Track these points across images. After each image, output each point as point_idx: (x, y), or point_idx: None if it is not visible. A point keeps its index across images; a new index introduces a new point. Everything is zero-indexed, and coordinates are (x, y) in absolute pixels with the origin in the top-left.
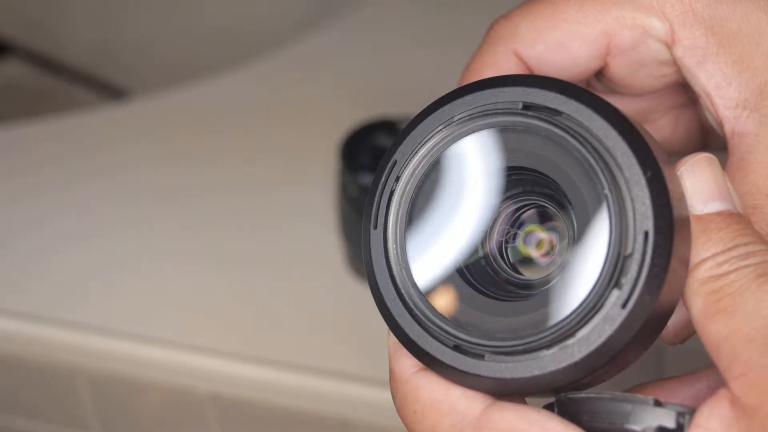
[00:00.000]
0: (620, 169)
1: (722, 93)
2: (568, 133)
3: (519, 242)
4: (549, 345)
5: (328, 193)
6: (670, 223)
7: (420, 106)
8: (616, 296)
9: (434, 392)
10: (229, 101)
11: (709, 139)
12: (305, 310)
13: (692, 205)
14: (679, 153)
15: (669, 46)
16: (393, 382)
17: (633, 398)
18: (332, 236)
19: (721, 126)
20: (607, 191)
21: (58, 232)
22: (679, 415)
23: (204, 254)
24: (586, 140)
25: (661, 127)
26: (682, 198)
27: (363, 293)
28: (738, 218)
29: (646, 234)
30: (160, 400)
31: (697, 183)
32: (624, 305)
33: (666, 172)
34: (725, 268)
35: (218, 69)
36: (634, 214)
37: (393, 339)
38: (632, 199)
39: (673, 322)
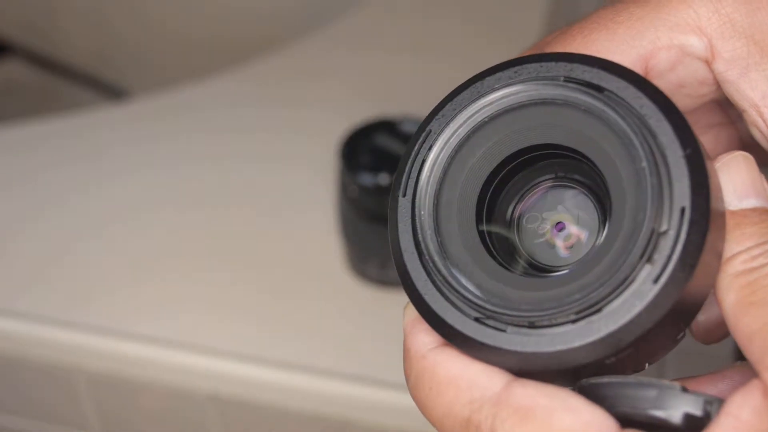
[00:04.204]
0: (659, 145)
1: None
2: (608, 106)
3: (546, 230)
4: (575, 319)
5: (328, 193)
6: (707, 201)
7: (420, 106)
8: (648, 271)
9: (453, 368)
10: (228, 101)
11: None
12: (305, 310)
13: (727, 201)
14: None
15: (709, 62)
16: (408, 360)
17: (659, 384)
18: (332, 236)
19: None
20: (645, 165)
21: (58, 232)
22: (707, 403)
23: (204, 254)
24: (626, 115)
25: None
26: (719, 190)
27: (363, 293)
28: None
29: (683, 210)
30: (160, 400)
31: (733, 179)
32: (656, 281)
33: (705, 156)
34: (760, 261)
35: (218, 69)
36: (671, 191)
37: (410, 316)
38: (670, 176)
39: (705, 320)
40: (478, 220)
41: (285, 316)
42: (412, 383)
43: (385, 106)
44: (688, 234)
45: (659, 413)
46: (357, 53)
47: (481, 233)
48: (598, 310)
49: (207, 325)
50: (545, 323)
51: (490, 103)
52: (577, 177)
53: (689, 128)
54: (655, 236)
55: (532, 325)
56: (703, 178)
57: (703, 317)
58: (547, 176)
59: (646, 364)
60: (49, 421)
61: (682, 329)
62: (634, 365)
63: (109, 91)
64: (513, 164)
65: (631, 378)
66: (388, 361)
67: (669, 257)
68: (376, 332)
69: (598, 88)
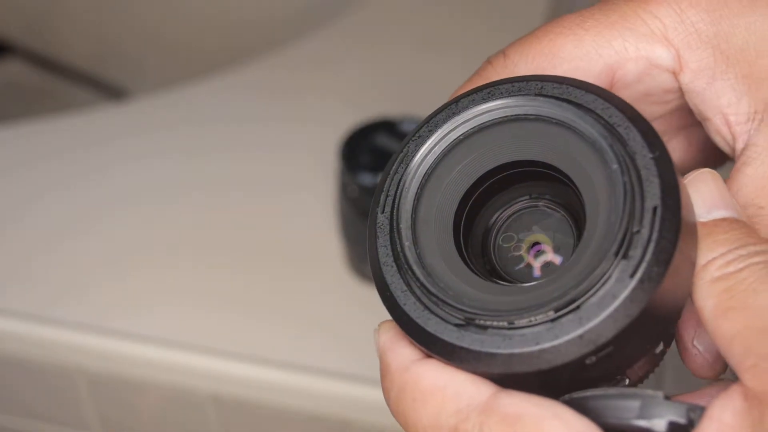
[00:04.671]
0: (629, 150)
1: (734, 109)
2: (578, 116)
3: (522, 250)
4: (554, 317)
5: (328, 193)
6: (677, 200)
7: (420, 107)
8: (623, 267)
9: (438, 378)
10: (228, 101)
11: (725, 157)
12: (305, 310)
13: (697, 213)
14: None
15: (676, 73)
16: (388, 375)
17: (642, 393)
18: (332, 236)
19: (734, 143)
20: (616, 167)
21: (58, 232)
22: (690, 410)
23: (204, 254)
24: (595, 124)
25: (673, 149)
26: (688, 197)
27: (363, 293)
28: (742, 224)
29: (655, 209)
30: (160, 400)
31: (701, 194)
32: (632, 275)
33: (672, 160)
34: (735, 266)
35: (218, 69)
36: (643, 191)
37: (386, 334)
38: (640, 177)
39: (704, 352)
40: (456, 237)
41: (285, 316)
42: (393, 398)
43: (385, 106)
44: (661, 231)
45: (643, 423)
46: (357, 53)
47: (459, 249)
48: (577, 308)
49: (207, 325)
50: (524, 323)
51: (465, 121)
52: (552, 197)
53: (656, 134)
54: (629, 235)
55: (511, 325)
56: (672, 179)
57: (703, 350)
58: (523, 197)
59: (627, 375)
60: (49, 421)
61: (660, 339)
62: (614, 369)
63: (109, 91)
64: (490, 182)
65: (614, 390)
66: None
67: (644, 253)
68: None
69: (568, 101)
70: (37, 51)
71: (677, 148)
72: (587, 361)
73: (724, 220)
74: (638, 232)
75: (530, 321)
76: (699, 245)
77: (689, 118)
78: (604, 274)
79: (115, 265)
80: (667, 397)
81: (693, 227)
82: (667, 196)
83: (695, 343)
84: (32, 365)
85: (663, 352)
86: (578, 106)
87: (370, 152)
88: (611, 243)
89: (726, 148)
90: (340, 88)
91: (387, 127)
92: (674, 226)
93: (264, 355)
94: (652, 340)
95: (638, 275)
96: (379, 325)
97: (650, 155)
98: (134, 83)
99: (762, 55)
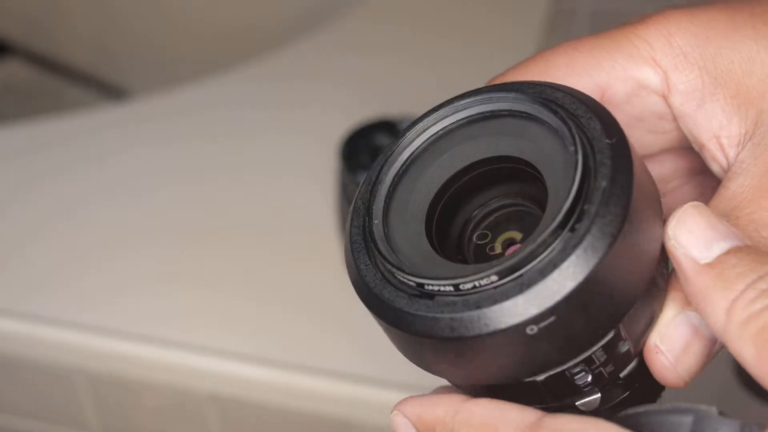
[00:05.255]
0: (589, 137)
1: (726, 132)
2: (547, 109)
3: (496, 248)
4: (497, 283)
5: (328, 193)
6: (629, 180)
7: (420, 107)
8: (568, 237)
9: (488, 412)
10: (228, 101)
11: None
12: (305, 310)
13: (696, 256)
14: None
15: (665, 96)
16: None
17: (695, 409)
18: (332, 236)
19: (728, 167)
20: (573, 149)
21: (58, 232)
22: (744, 427)
23: (204, 255)
24: (562, 116)
25: (686, 197)
26: (647, 182)
27: None
28: (746, 250)
29: (605, 188)
30: (160, 400)
31: (693, 233)
32: (575, 246)
33: (632, 146)
34: (760, 303)
35: (218, 69)
36: (596, 171)
37: (413, 410)
38: (596, 160)
39: (666, 352)
40: (428, 229)
41: (285, 316)
42: None
43: (385, 106)
44: (609, 206)
45: None
46: (357, 54)
47: (430, 240)
48: (519, 275)
49: (207, 324)
50: (469, 288)
51: (444, 117)
52: (526, 195)
53: (617, 125)
54: (578, 210)
55: (457, 291)
56: (625, 162)
57: (662, 347)
58: (499, 196)
59: (587, 366)
60: (49, 421)
61: (610, 325)
62: (564, 349)
63: (109, 91)
64: (466, 178)
65: (667, 405)
66: (388, 361)
67: (590, 227)
68: (376, 332)
69: (542, 101)
70: (37, 51)
71: (690, 196)
72: (528, 330)
73: (727, 253)
74: (587, 208)
75: (475, 286)
76: (713, 292)
77: (698, 162)
78: (550, 245)
79: (115, 264)
80: (721, 413)
81: (650, 208)
82: (618, 175)
83: (658, 341)
84: (32, 365)
85: (628, 353)
86: (547, 100)
87: (370, 152)
88: (558, 215)
89: (722, 175)
90: (341, 89)
91: (387, 127)
92: (623, 202)
93: (264, 355)
94: (599, 325)
95: (581, 246)
96: (395, 408)
97: (607, 141)
98: (134, 83)
99: (748, 74)
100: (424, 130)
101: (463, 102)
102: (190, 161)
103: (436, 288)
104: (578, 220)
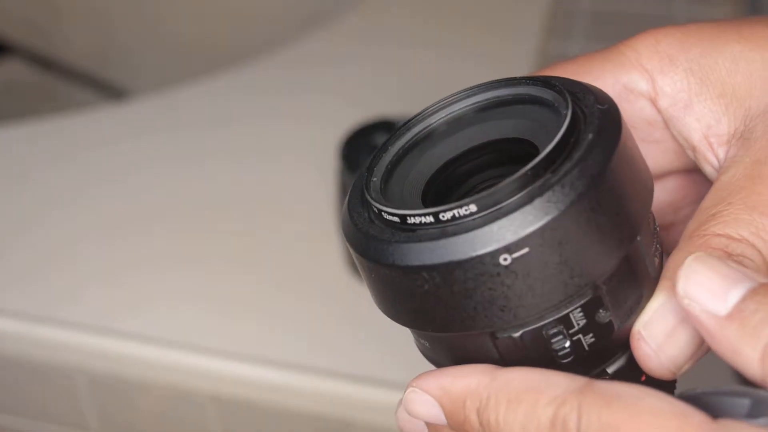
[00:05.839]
0: (581, 105)
1: (714, 131)
2: (547, 88)
3: None
4: (475, 215)
5: (328, 193)
6: (615, 136)
7: (419, 107)
8: (550, 176)
9: (528, 377)
10: (228, 101)
11: None
12: (305, 310)
13: (715, 309)
14: None
15: (652, 99)
16: (470, 396)
17: (753, 392)
18: (332, 236)
19: (719, 166)
20: (565, 113)
21: (58, 232)
22: None
23: (204, 254)
24: (559, 92)
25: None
26: (634, 146)
27: (363, 293)
28: (763, 290)
29: (590, 140)
30: (160, 400)
31: (704, 287)
32: (554, 183)
33: (624, 120)
34: None
35: (217, 69)
36: (585, 128)
37: (433, 382)
38: (586, 122)
39: (648, 339)
40: (424, 199)
41: (285, 316)
42: (483, 411)
43: (385, 106)
44: (592, 154)
45: (754, 423)
46: (357, 53)
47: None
48: (498, 208)
49: (207, 325)
50: (449, 218)
51: (453, 103)
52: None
53: (609, 98)
54: (564, 156)
55: (437, 221)
56: (614, 122)
57: (644, 333)
58: (498, 175)
59: (550, 311)
60: (49, 421)
61: (583, 279)
62: (531, 287)
63: (109, 91)
64: (469, 157)
65: (724, 387)
66: (388, 361)
67: (571, 169)
68: (376, 332)
69: (542, 81)
70: (37, 51)
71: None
72: (502, 260)
73: (744, 300)
74: (573, 155)
75: (454, 216)
76: (741, 340)
77: (704, 183)
78: (531, 183)
79: (115, 264)
80: None
81: (637, 174)
82: (605, 130)
83: (641, 328)
84: (32, 365)
85: (610, 326)
86: (546, 81)
87: (370, 152)
88: (542, 155)
89: (714, 176)
90: (340, 88)
91: (387, 127)
92: (607, 152)
93: (264, 355)
94: (575, 272)
95: (560, 183)
96: (411, 385)
97: (599, 107)
98: (134, 83)
99: (732, 73)
100: (435, 113)
101: (474, 89)
102: (190, 161)
103: (417, 220)
104: (562, 164)
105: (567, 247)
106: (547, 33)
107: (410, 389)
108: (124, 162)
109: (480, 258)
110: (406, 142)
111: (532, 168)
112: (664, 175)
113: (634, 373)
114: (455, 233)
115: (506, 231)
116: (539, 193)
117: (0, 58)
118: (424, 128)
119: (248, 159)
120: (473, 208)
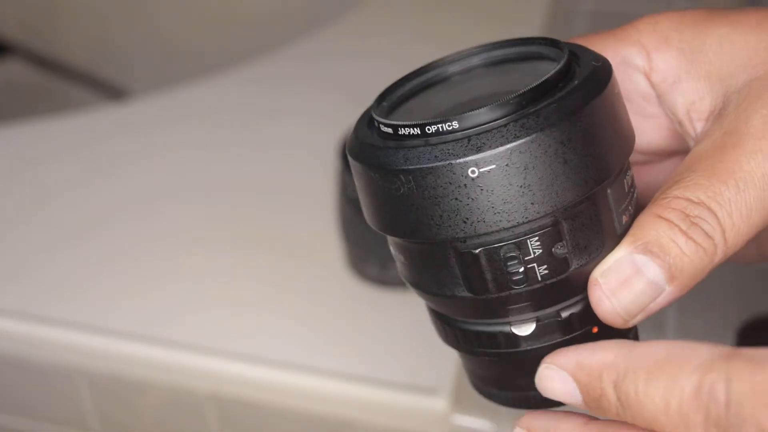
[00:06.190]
0: (578, 61)
1: (697, 106)
2: (551, 46)
3: None
4: (456, 130)
5: (328, 193)
6: (600, 85)
7: None
8: (532, 108)
9: (665, 348)
10: (228, 101)
11: None
12: (305, 310)
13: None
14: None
15: (647, 74)
16: (601, 376)
17: None
18: (332, 236)
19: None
20: (558, 63)
21: (57, 231)
22: None
23: (204, 254)
24: (561, 50)
25: None
26: (616, 95)
27: (363, 293)
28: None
29: (577, 84)
30: (160, 400)
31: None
32: (532, 111)
33: (615, 78)
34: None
35: (218, 69)
36: (574, 75)
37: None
38: (579, 71)
39: (608, 292)
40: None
41: (285, 316)
42: (620, 384)
43: None
44: (573, 96)
45: None
46: (357, 52)
47: None
48: (476, 126)
49: (207, 325)
50: (433, 131)
51: (469, 56)
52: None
53: (604, 57)
54: (546, 98)
55: (423, 133)
56: (604, 75)
57: (600, 278)
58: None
59: (508, 231)
60: (49, 421)
61: (542, 197)
62: (493, 204)
63: (109, 91)
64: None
65: None
66: (388, 361)
67: (550, 104)
68: (376, 332)
69: (549, 42)
70: (37, 51)
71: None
72: (470, 172)
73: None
74: (554, 95)
75: (438, 130)
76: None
77: None
78: (513, 112)
79: (115, 264)
80: None
81: (616, 127)
82: (591, 80)
83: (599, 276)
84: (32, 365)
85: (565, 262)
86: (552, 43)
87: None
88: (526, 89)
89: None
90: (341, 87)
91: None
92: (585, 96)
93: (264, 355)
94: (536, 198)
95: (536, 114)
96: (544, 362)
97: (593, 63)
98: (134, 83)
99: (718, 54)
100: (451, 62)
101: (488, 46)
102: (190, 161)
103: (407, 131)
104: (544, 101)
105: (532, 173)
106: (547, 33)
107: (544, 365)
108: (123, 161)
109: (450, 167)
110: (420, 83)
111: (515, 97)
112: (663, 155)
113: (587, 321)
114: (435, 144)
115: (478, 147)
116: (515, 119)
117: (0, 58)
118: (439, 74)
119: (248, 159)
120: (455, 125)
